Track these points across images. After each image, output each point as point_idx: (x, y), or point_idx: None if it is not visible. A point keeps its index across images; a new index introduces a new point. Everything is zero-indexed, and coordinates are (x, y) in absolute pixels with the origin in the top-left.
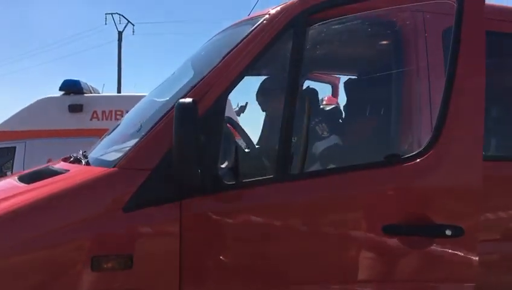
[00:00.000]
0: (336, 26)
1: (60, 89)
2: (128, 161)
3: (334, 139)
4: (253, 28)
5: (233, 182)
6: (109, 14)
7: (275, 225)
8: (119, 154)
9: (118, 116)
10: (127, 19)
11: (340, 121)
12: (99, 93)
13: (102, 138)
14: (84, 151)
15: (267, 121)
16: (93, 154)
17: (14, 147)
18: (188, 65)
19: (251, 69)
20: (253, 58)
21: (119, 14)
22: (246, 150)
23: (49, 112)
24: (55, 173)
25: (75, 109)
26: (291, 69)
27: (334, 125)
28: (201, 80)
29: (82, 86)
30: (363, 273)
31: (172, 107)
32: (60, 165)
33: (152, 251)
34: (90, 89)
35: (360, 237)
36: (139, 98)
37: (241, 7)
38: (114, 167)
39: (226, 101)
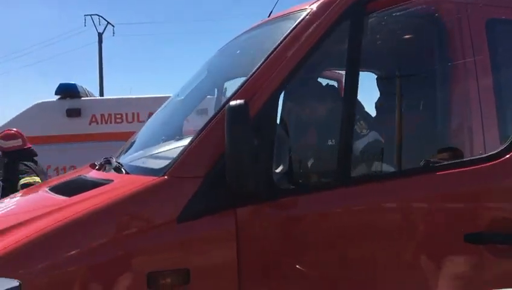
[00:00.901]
0: (394, 15)
1: (56, 93)
2: (177, 168)
3: (373, 136)
4: (298, 22)
5: (290, 188)
6: (88, 15)
7: (341, 233)
8: (165, 162)
9: (117, 120)
10: (106, 20)
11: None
12: (94, 96)
13: (129, 142)
14: (106, 158)
15: (312, 121)
16: (127, 161)
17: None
18: (219, 65)
19: (303, 66)
20: (305, 53)
21: (99, 16)
22: (299, 153)
23: (46, 117)
24: (97, 184)
25: (73, 113)
26: (349, 64)
27: (373, 123)
28: (247, 80)
29: (79, 89)
30: (443, 285)
31: (221, 110)
32: (96, 175)
33: (209, 264)
34: (86, 92)
35: (438, 246)
36: (138, 100)
37: (222, 7)
38: (163, 175)
39: (278, 101)
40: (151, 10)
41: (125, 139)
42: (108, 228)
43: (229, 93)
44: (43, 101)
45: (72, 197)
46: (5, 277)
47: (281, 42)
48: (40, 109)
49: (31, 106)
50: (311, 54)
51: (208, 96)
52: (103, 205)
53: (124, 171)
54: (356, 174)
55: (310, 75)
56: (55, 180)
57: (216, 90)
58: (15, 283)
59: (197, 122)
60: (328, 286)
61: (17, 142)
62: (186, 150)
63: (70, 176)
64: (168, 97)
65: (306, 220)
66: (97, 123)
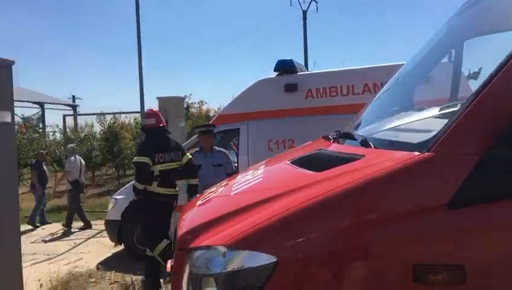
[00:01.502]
0: None
1: (275, 70)
2: (447, 143)
3: None
4: None
5: None
6: None
7: None
8: (425, 135)
9: (332, 93)
10: None
11: None
12: (307, 71)
13: (361, 114)
14: (339, 131)
15: None
16: (369, 134)
17: (238, 129)
18: (460, 23)
19: None
20: None
21: None
22: None
23: (268, 93)
24: (346, 159)
25: (291, 88)
26: None
27: None
28: None
29: (295, 64)
30: None
31: (494, 77)
32: (340, 149)
33: (490, 262)
34: (301, 67)
35: None
36: (353, 72)
37: None
38: (427, 151)
39: None
40: None
41: (340, 112)
42: (367, 208)
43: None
44: (264, 78)
45: (322, 172)
46: (261, 252)
47: None
48: (261, 85)
49: (253, 83)
50: None
51: (443, 61)
52: (360, 182)
53: (372, 145)
54: None
55: None
56: (290, 154)
57: (453, 52)
58: (272, 259)
59: (430, 91)
60: None
61: (151, 121)
62: (456, 121)
63: (305, 149)
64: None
65: None
66: (313, 97)
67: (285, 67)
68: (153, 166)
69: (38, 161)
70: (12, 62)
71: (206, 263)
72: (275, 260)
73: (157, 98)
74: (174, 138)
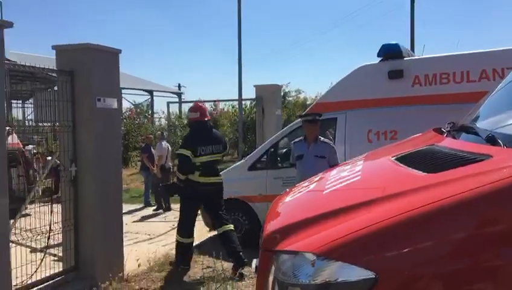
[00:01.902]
0: None
1: (379, 55)
2: None
3: None
4: None
5: None
6: None
7: None
8: None
9: (443, 81)
10: None
11: None
12: (415, 56)
13: (480, 105)
14: (452, 123)
15: None
16: (497, 130)
17: (335, 118)
18: None
19: None
20: None
21: None
22: None
23: (368, 80)
24: (465, 159)
25: (395, 75)
26: None
27: None
28: None
29: (401, 49)
30: None
31: None
32: (457, 146)
33: None
34: (408, 52)
35: None
36: (469, 57)
37: None
38: None
39: None
40: None
41: (451, 101)
42: (495, 223)
43: None
44: (366, 64)
45: (435, 175)
46: (356, 265)
47: None
48: (362, 72)
49: (353, 70)
50: None
51: None
52: (488, 190)
53: (501, 143)
54: None
55: None
56: (394, 148)
57: None
58: (370, 274)
59: None
60: None
61: (196, 115)
62: None
63: (413, 143)
64: None
65: None
66: (420, 85)
67: (390, 52)
68: (195, 158)
69: (147, 144)
70: (119, 51)
71: (293, 270)
72: (374, 276)
73: (255, 86)
74: (269, 127)
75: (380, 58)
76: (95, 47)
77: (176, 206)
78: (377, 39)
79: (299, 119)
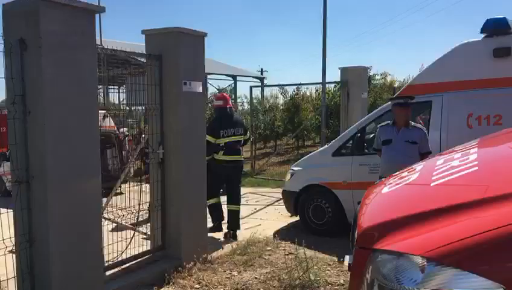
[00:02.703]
0: None
1: (482, 31)
2: None
3: None
4: None
5: None
6: None
7: None
8: None
9: None
10: None
11: None
12: None
13: None
14: None
15: None
16: None
17: (430, 101)
18: None
19: None
20: None
21: None
22: None
23: (470, 59)
24: None
25: (502, 53)
26: None
27: None
28: None
29: (509, 24)
30: None
31: None
32: None
33: None
34: None
35: None
36: None
37: None
38: None
39: None
40: None
41: None
42: None
43: None
44: (468, 41)
45: None
46: (478, 274)
47: None
48: (463, 50)
49: (453, 48)
50: None
51: None
52: None
53: None
54: None
55: None
56: (505, 135)
57: None
58: (498, 286)
59: None
60: None
61: (219, 102)
62: None
63: None
64: None
65: None
66: None
67: (496, 27)
68: (218, 139)
69: None
70: (205, 34)
71: (396, 274)
72: (503, 289)
73: (340, 68)
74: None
75: (484, 35)
76: (182, 30)
77: (257, 190)
78: (480, 15)
79: (389, 103)
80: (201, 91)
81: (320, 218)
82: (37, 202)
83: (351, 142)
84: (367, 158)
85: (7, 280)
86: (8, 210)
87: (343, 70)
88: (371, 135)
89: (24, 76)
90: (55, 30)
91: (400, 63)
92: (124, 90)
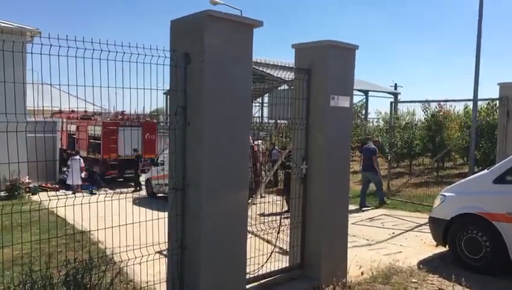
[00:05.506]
0: None
1: None
2: None
3: None
4: None
5: None
6: None
7: None
8: None
9: None
10: None
11: None
12: None
13: None
14: None
15: None
16: None
17: None
18: None
19: None
20: None
21: None
22: None
23: None
24: None
25: None
26: None
27: None
28: None
29: None
30: None
31: None
32: None
33: None
34: None
35: None
36: None
37: None
38: None
39: None
40: None
41: None
42: None
43: None
44: None
45: None
46: None
47: None
48: None
49: None
50: None
51: None
52: None
53: None
54: None
55: None
56: None
57: None
58: None
59: None
60: None
61: None
62: None
63: None
64: None
65: None
66: None
67: None
68: None
69: (376, 146)
70: (356, 47)
71: None
72: None
73: (499, 83)
74: None
75: None
76: (332, 43)
77: (392, 212)
78: None
79: None
80: (348, 106)
81: (476, 252)
82: (191, 209)
83: None
84: None
85: (160, 283)
86: (159, 212)
87: (503, 86)
88: None
89: (186, 88)
90: (217, 44)
91: None
92: (259, 104)
